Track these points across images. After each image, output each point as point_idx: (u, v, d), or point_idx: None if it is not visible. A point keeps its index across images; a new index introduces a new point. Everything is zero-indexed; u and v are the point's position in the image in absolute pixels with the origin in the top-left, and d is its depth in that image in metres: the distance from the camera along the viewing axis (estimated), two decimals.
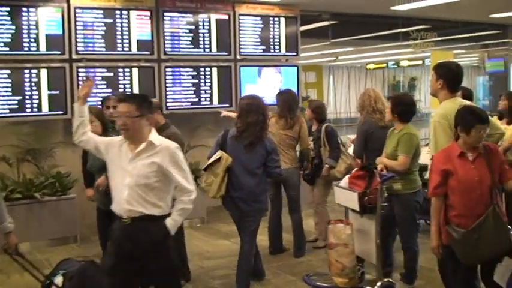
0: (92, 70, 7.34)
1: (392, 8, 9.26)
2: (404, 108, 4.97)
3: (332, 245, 4.82)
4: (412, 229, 5.09)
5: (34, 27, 6.98)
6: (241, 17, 8.27)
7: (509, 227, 3.81)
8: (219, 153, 4.85)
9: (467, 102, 4.44)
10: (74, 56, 7.19)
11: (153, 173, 3.48)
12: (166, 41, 7.77)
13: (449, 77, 4.41)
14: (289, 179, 6.08)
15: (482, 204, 3.77)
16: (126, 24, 7.50)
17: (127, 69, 7.56)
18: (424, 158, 5.22)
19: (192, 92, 7.99)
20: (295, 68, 8.85)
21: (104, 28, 7.38)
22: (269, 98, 8.38)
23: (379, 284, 4.72)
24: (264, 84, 8.49)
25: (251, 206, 4.88)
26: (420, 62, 17.97)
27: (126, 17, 7.50)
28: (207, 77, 8.09)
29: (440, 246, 3.92)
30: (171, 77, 7.86)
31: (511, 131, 5.89)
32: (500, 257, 3.84)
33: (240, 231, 5.07)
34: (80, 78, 7.16)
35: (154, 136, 3.58)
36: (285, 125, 6.14)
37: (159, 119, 5.00)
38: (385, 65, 20.07)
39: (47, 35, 7.06)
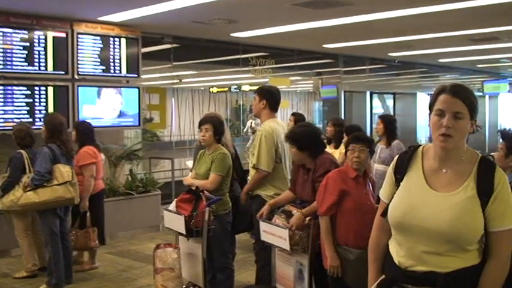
0: None
1: (232, 34, 9.56)
2: (224, 129, 5.18)
3: (158, 270, 4.81)
4: (227, 249, 5.19)
5: None
6: (79, 36, 8.02)
7: None
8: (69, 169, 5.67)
9: (284, 124, 5.25)
10: None
11: None
12: None
13: (271, 98, 5.08)
14: None
15: (370, 228, 3.97)
16: None
17: None
18: None
19: (26, 112, 7.57)
20: (137, 89, 8.76)
21: None
22: (109, 119, 8.28)
23: None
24: (104, 105, 8.30)
25: None
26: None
27: None
28: (42, 96, 7.72)
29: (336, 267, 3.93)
30: (2, 96, 7.39)
31: (338, 154, 6.34)
32: None
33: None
34: None
35: None
36: None
37: None
38: (227, 88, 20.53)
39: None
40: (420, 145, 2.44)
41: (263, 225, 4.59)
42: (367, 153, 4.05)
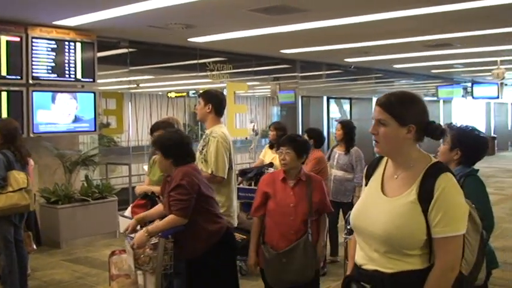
0: None
1: (189, 39, 9.54)
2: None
3: (114, 276, 4.74)
4: None
5: None
6: (34, 40, 7.89)
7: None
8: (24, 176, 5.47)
9: (225, 129, 4.89)
10: None
11: None
12: None
13: (217, 102, 4.87)
14: None
15: (294, 231, 3.97)
16: None
17: None
18: None
19: None
20: (92, 94, 8.65)
21: None
22: (64, 125, 8.16)
23: None
24: (59, 111, 8.17)
25: None
26: None
27: None
28: None
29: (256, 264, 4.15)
30: None
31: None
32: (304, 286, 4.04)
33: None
34: None
35: None
36: None
37: None
38: (185, 93, 20.43)
39: None
40: None
41: (126, 242, 4.21)
42: (294, 154, 4.08)
